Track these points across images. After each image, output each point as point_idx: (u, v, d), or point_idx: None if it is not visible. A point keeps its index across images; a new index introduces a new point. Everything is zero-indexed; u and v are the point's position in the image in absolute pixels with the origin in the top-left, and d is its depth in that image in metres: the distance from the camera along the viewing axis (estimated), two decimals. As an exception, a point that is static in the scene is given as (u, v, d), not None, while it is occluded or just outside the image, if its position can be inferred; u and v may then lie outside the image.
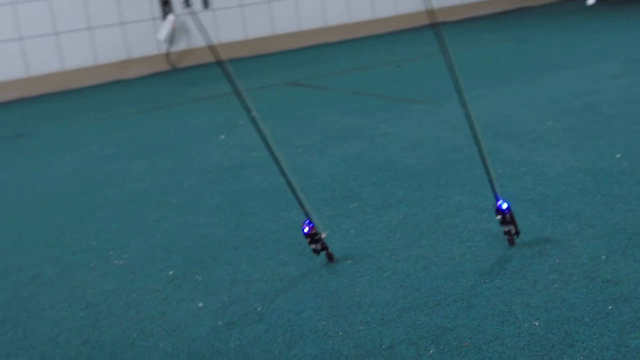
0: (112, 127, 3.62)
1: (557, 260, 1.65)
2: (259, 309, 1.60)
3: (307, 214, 1.75)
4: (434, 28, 1.66)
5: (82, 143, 3.34)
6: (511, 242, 1.74)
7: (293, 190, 1.75)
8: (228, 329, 1.53)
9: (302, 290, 1.67)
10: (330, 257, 1.79)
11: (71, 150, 3.23)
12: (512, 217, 1.71)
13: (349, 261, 1.79)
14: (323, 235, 1.76)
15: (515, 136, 2.64)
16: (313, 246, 1.76)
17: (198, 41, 5.39)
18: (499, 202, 1.71)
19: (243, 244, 1.97)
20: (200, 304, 1.65)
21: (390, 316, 1.50)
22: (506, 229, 1.72)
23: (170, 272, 1.84)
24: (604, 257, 1.65)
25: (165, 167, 2.78)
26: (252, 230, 2.06)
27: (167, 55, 5.25)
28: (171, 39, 5.24)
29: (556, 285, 1.54)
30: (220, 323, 1.56)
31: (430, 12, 1.69)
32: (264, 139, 1.72)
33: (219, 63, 1.70)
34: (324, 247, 1.77)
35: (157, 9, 5.22)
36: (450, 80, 1.69)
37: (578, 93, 3.15)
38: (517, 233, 1.73)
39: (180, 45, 5.33)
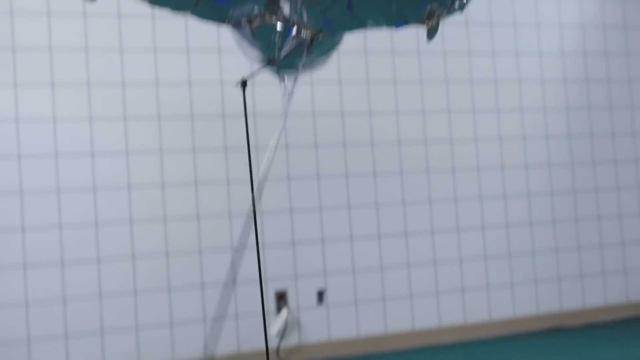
0: None
1: None
2: None
3: None
4: None
5: None
6: None
7: None
8: None
9: None
10: None
11: None
12: None
13: None
14: None
15: None
16: None
17: (310, 337, 5.41)
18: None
19: None
20: None
21: None
22: None
23: None
24: None
25: None
26: None
27: (277, 350, 5.27)
28: (283, 333, 5.29)
29: None
30: None
31: None
32: None
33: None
34: None
35: (272, 302, 5.32)
36: None
37: None
38: None
39: (291, 341, 5.36)
